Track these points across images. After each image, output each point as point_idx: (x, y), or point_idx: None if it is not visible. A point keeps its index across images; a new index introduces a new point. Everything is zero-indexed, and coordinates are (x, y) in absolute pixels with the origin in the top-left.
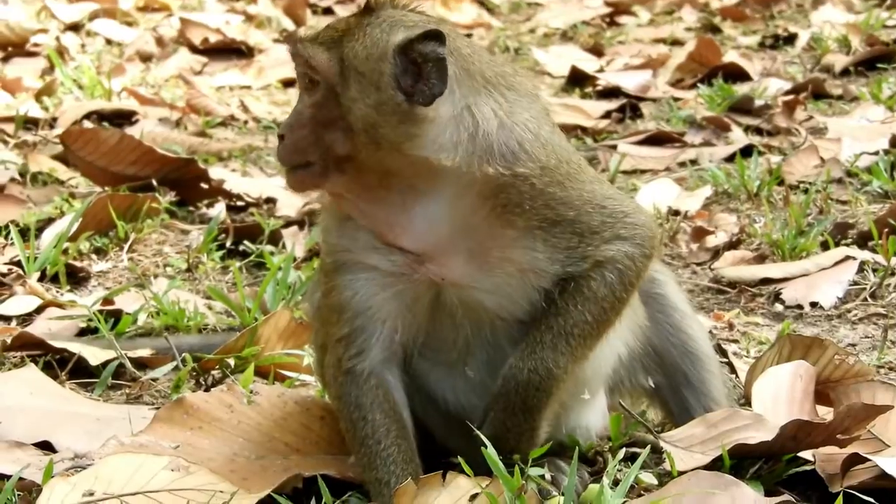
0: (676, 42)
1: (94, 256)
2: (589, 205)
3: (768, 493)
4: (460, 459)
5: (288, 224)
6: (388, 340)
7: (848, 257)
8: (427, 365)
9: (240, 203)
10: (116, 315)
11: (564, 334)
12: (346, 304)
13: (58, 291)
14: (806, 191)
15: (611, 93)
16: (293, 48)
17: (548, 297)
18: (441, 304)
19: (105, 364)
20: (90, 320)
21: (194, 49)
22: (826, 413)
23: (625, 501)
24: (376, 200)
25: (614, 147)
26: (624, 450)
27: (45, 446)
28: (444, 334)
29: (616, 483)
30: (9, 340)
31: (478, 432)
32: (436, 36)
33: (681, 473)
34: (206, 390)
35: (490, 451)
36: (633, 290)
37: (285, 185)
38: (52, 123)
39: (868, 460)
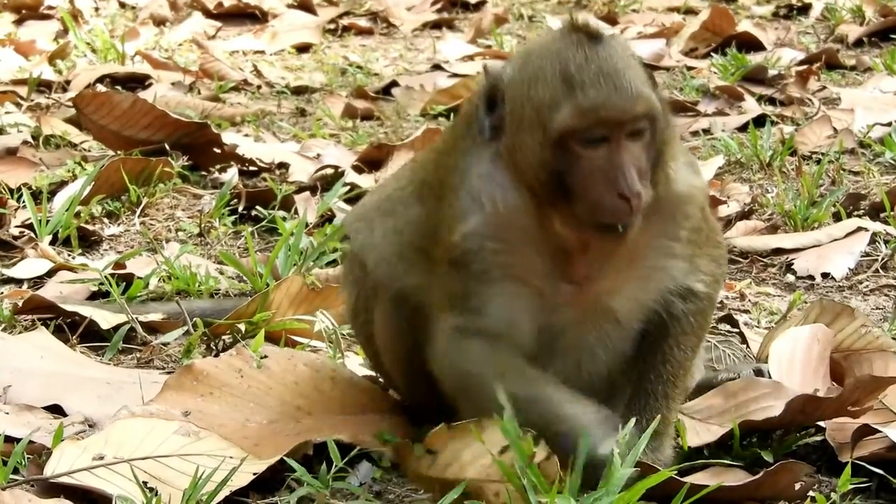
0: (690, 11)
1: (105, 220)
2: (704, 212)
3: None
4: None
5: (300, 189)
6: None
7: (860, 228)
8: None
9: (252, 168)
10: (128, 279)
11: (673, 379)
12: (488, 308)
13: (69, 255)
14: (818, 161)
15: None
16: (631, 101)
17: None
18: (572, 310)
19: (116, 328)
20: (101, 284)
21: (208, 13)
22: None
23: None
24: None
25: None
26: (634, 419)
27: (56, 410)
28: (547, 334)
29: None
30: (20, 303)
31: (499, 400)
32: None
33: (691, 448)
34: (217, 355)
35: (506, 418)
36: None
37: (610, 240)
38: (65, 86)
39: (879, 431)
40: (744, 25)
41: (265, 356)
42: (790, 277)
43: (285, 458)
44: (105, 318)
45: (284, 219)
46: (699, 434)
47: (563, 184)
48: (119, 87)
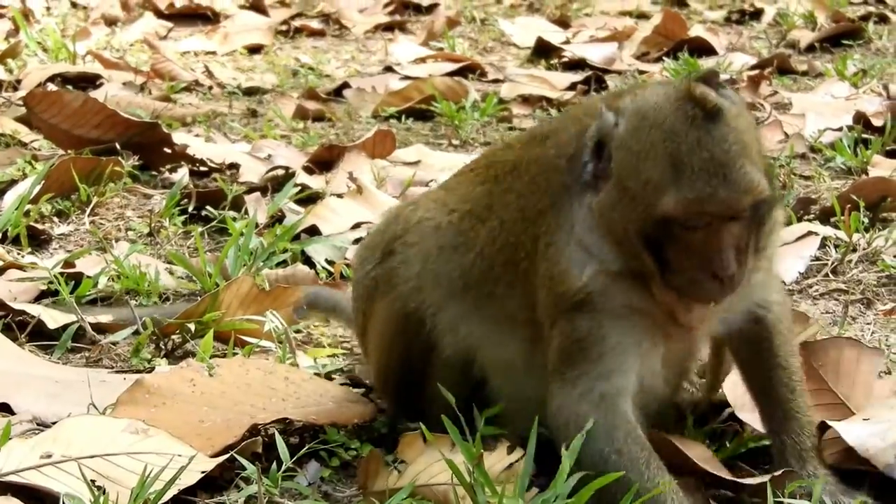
0: (642, 15)
1: (55, 219)
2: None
3: (729, 468)
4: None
5: (251, 190)
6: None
7: (810, 233)
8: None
9: (203, 168)
10: (77, 278)
11: (800, 383)
12: (609, 350)
13: (19, 253)
14: (770, 166)
15: (576, 65)
16: (738, 195)
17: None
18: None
19: (65, 327)
20: (51, 283)
21: (160, 14)
22: None
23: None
24: None
25: None
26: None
27: (4, 408)
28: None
29: None
30: None
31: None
32: None
33: None
34: (166, 356)
35: (446, 420)
36: None
37: (703, 306)
38: (16, 85)
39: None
40: (696, 30)
41: (217, 365)
42: None
43: (235, 455)
44: (53, 317)
45: (234, 219)
46: None
47: (659, 255)
48: (70, 87)
